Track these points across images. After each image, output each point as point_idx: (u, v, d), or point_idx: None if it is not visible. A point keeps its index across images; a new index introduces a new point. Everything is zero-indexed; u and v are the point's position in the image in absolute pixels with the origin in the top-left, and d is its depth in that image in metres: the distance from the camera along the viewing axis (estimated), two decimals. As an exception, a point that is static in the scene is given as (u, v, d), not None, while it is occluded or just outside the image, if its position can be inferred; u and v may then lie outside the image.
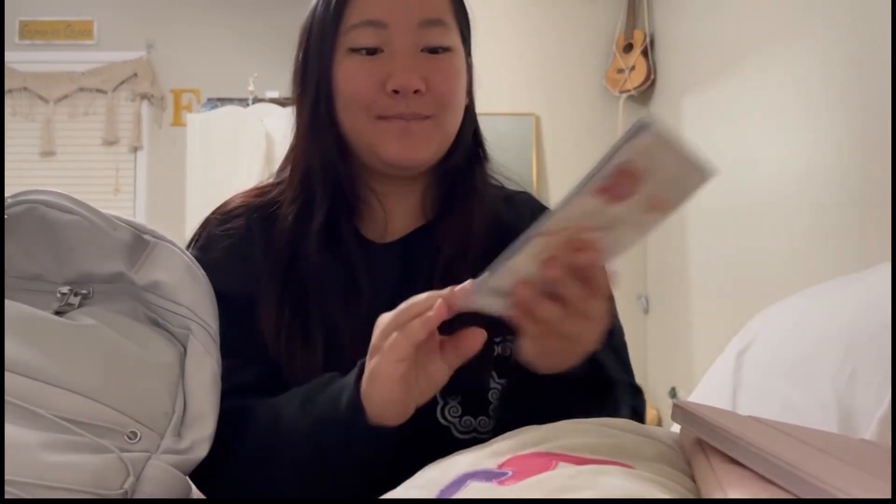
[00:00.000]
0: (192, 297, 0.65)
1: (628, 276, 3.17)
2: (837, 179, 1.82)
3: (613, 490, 0.41)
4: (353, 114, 0.76)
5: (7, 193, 0.65)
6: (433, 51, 0.75)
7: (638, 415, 0.77)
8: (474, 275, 0.58)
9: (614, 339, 0.79)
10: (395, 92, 0.73)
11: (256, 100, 3.67)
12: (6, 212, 0.63)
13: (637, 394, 0.79)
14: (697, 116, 2.74)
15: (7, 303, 0.59)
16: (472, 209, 0.79)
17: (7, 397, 0.54)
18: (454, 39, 0.77)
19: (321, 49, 0.76)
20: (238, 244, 0.78)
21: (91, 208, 0.64)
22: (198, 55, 4.24)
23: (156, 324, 0.65)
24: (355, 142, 0.77)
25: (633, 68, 3.10)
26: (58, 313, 0.61)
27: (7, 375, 0.55)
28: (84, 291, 0.63)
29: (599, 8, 3.23)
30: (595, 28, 3.23)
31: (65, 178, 4.09)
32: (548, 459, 0.45)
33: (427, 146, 0.76)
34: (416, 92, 0.73)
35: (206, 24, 4.25)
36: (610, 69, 3.18)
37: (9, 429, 0.52)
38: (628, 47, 3.13)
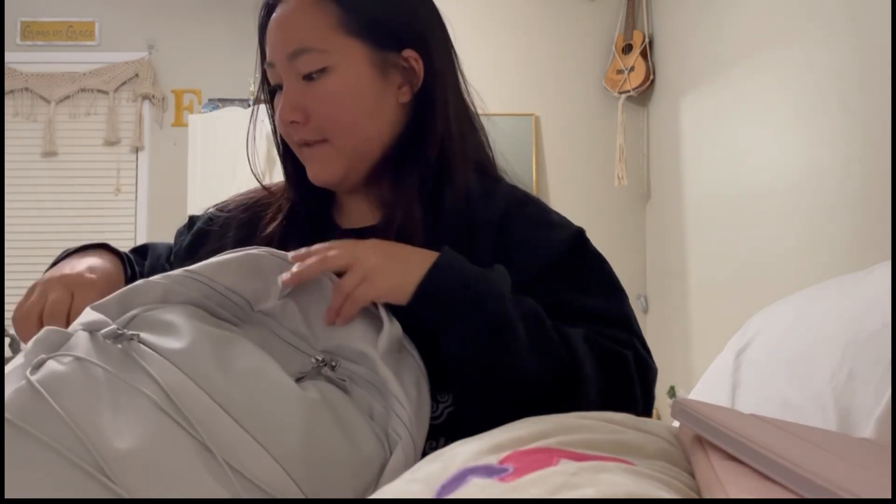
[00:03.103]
0: (415, 408, 0.63)
1: (628, 275, 3.18)
2: (836, 179, 1.83)
3: (614, 487, 0.41)
4: (287, 140, 0.84)
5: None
6: (310, 77, 0.79)
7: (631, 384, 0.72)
8: None
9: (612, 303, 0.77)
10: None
11: (257, 100, 3.67)
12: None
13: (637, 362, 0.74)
14: (696, 117, 2.74)
15: (265, 354, 0.61)
16: (410, 213, 0.80)
17: (207, 439, 0.52)
18: (331, 59, 0.78)
19: (265, 87, 0.86)
20: (222, 225, 0.89)
21: None
22: (199, 56, 4.25)
23: (370, 416, 0.63)
24: None
25: (632, 69, 3.11)
26: (300, 378, 0.63)
27: (224, 417, 0.53)
28: (333, 363, 0.65)
29: (599, 9, 3.23)
30: (594, 29, 3.23)
31: (66, 179, 4.09)
32: (549, 455, 0.45)
33: (333, 167, 0.81)
34: (295, 122, 0.79)
35: (207, 25, 4.25)
36: (609, 70, 3.18)
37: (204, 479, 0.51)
38: (627, 48, 3.13)
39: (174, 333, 0.59)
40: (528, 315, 0.67)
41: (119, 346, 0.56)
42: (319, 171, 0.81)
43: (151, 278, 0.65)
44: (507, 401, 0.64)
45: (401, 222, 0.78)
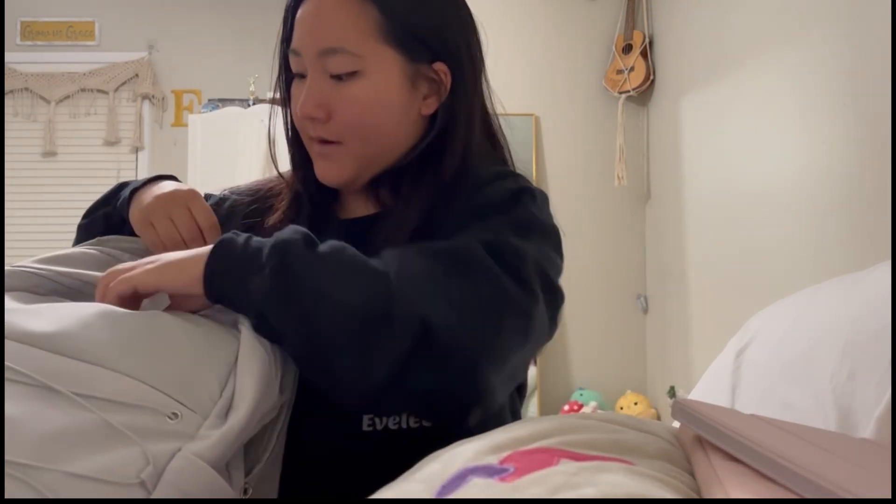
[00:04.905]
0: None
1: (627, 276, 3.18)
2: (836, 179, 1.83)
3: (615, 488, 0.41)
4: (300, 131, 0.82)
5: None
6: (339, 77, 0.76)
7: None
8: None
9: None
10: None
11: (257, 100, 3.66)
12: None
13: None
14: (696, 117, 2.75)
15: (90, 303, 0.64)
16: (407, 209, 0.79)
17: (51, 382, 0.53)
18: (364, 64, 0.76)
19: (283, 68, 0.83)
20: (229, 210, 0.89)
21: None
22: (199, 56, 4.25)
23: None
24: None
25: (632, 69, 3.11)
26: None
27: (60, 359, 0.55)
28: None
29: (599, 9, 3.23)
30: (594, 29, 3.23)
31: (66, 179, 4.10)
32: (549, 455, 0.45)
33: (342, 169, 0.80)
34: (315, 119, 0.77)
35: (207, 25, 4.26)
36: (609, 70, 3.18)
37: (45, 411, 0.52)
38: (628, 48, 3.13)
39: None
40: (325, 253, 0.64)
41: None
42: (328, 171, 0.81)
43: None
44: (331, 333, 0.60)
45: (394, 231, 0.77)
